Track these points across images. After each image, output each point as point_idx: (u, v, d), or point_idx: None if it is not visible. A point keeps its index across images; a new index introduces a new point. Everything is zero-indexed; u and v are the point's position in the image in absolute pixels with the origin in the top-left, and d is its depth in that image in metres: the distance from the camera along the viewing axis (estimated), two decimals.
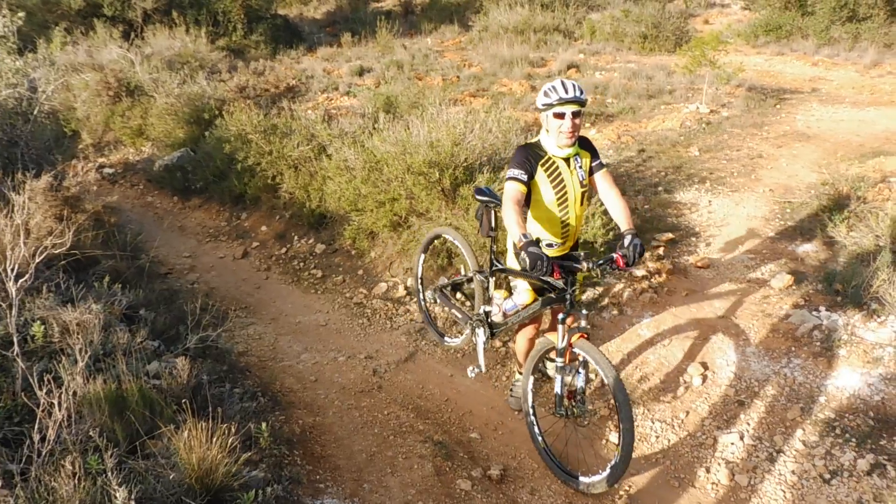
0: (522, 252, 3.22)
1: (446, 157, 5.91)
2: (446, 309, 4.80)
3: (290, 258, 7.11)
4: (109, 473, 2.82)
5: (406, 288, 6.05)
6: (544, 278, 3.59)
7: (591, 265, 3.52)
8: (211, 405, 3.60)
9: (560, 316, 3.65)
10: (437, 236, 4.99)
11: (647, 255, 5.86)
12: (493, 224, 4.16)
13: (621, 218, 3.66)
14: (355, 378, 4.89)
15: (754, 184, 7.74)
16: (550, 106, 3.44)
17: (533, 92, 12.49)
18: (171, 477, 3.17)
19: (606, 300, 5.38)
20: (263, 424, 3.78)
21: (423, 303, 5.14)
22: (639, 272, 5.58)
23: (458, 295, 4.93)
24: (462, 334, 4.78)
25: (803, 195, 7.28)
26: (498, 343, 5.17)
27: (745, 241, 6.29)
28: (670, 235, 6.29)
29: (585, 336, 3.60)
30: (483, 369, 4.34)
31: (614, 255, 3.50)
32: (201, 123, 9.58)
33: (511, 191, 3.50)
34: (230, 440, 3.28)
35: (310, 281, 6.59)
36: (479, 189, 4.28)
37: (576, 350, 3.61)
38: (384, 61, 15.03)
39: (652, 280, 5.54)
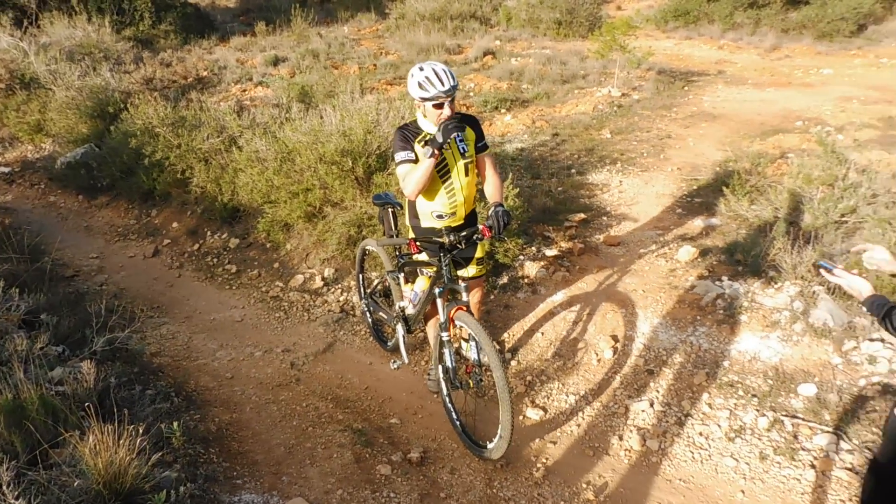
0: (436, 137, 3.44)
1: (359, 145, 5.86)
2: (378, 313, 4.80)
3: (204, 254, 6.93)
4: (5, 487, 2.70)
5: (323, 279, 5.98)
6: (422, 258, 3.83)
7: (452, 238, 3.61)
8: (119, 408, 3.49)
9: (437, 290, 3.73)
10: (365, 250, 4.96)
11: (557, 235, 5.99)
12: (393, 225, 4.33)
13: (493, 193, 3.80)
14: (273, 372, 4.82)
15: (663, 163, 8.00)
16: (430, 100, 3.48)
17: None
18: (76, 484, 3.06)
19: (520, 280, 5.47)
20: (175, 424, 3.69)
21: (368, 317, 5.09)
22: (552, 252, 5.70)
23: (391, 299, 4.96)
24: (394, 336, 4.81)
25: (709, 172, 7.58)
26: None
27: (654, 217, 6.50)
28: (582, 215, 6.44)
29: (464, 308, 3.66)
30: (406, 361, 4.35)
31: (480, 226, 3.62)
32: (105, 118, 9.19)
33: (404, 172, 3.63)
34: (138, 441, 3.19)
35: (224, 276, 6.44)
36: (376, 195, 4.46)
37: (457, 323, 3.68)
38: (299, 50, 14.77)
39: (564, 259, 5.67)
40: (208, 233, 7.21)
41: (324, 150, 5.83)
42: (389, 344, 4.88)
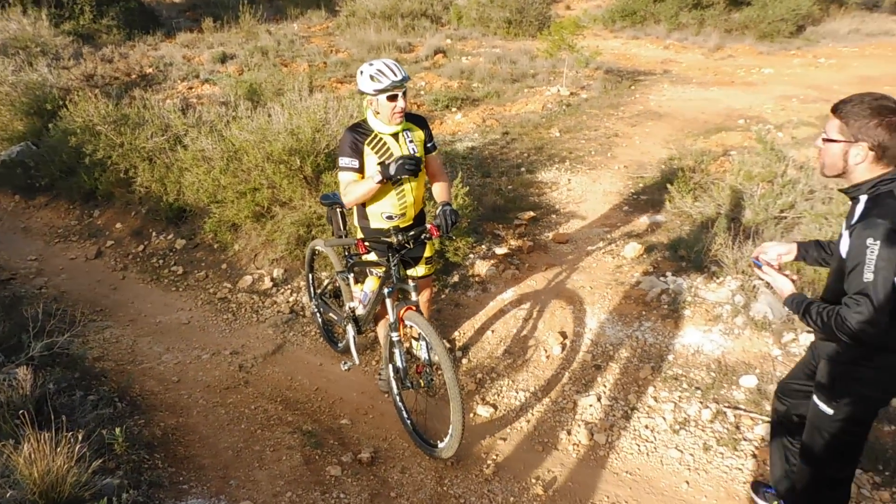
0: (390, 168, 3.42)
1: (307, 143, 5.80)
2: (329, 314, 4.77)
3: (149, 255, 6.76)
4: None
5: (273, 279, 5.91)
6: (371, 258, 3.86)
7: (401, 237, 3.62)
8: (57, 414, 3.38)
9: (386, 290, 3.73)
10: (314, 251, 4.92)
11: (507, 233, 6.04)
12: (342, 225, 4.28)
13: (441, 193, 3.86)
14: (220, 375, 4.73)
15: (610, 161, 8.14)
16: (384, 90, 3.47)
17: None
18: (8, 495, 2.96)
19: (471, 279, 5.50)
20: (117, 430, 3.61)
21: (318, 317, 5.04)
22: (502, 250, 5.74)
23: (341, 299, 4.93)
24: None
25: (655, 170, 7.73)
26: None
27: (602, 215, 6.61)
28: (532, 213, 6.50)
29: (413, 308, 3.67)
30: (357, 362, 4.33)
31: (428, 226, 3.66)
32: (43, 115, 8.87)
33: (346, 182, 3.64)
34: (78, 448, 3.10)
35: (170, 278, 6.30)
36: (324, 195, 4.40)
37: (407, 322, 3.68)
38: (248, 47, 14.53)
39: (514, 257, 5.71)
40: (153, 234, 7.04)
41: (271, 149, 5.75)
42: (340, 345, 4.85)
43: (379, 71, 3.46)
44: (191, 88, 12.19)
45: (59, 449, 3.02)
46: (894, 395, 2.63)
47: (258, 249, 6.20)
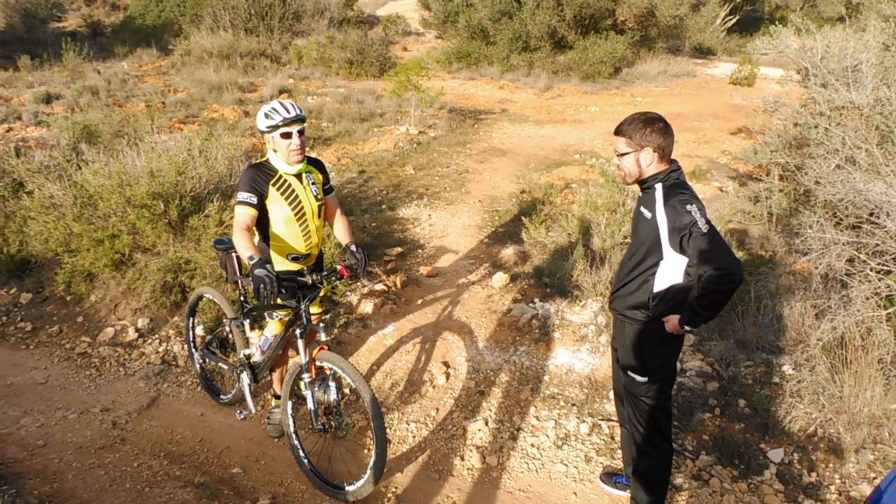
0: (250, 275, 3.33)
1: (170, 187, 5.65)
2: (217, 364, 4.62)
3: None
4: None
5: (137, 330, 5.62)
6: (280, 301, 3.77)
7: (315, 277, 3.70)
8: None
9: (298, 332, 3.74)
10: (200, 297, 4.77)
11: (380, 269, 6.20)
12: (237, 269, 4.21)
13: (344, 234, 4.02)
14: (92, 434, 4.44)
15: (465, 196, 8.57)
16: (276, 127, 3.57)
17: (247, 117, 12.35)
18: None
19: (349, 316, 5.59)
20: None
21: (197, 366, 4.86)
22: (378, 286, 5.89)
23: (228, 349, 4.80)
24: (234, 387, 4.64)
25: (507, 203, 8.26)
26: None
27: (465, 248, 6.96)
28: (399, 249, 6.72)
29: (326, 347, 3.72)
30: (253, 412, 4.24)
31: (338, 267, 3.77)
32: None
33: (241, 216, 3.58)
34: None
35: (18, 336, 5.77)
36: (218, 240, 4.33)
37: (319, 363, 3.72)
38: (75, 87, 13.68)
39: (390, 293, 5.88)
40: None
41: (131, 194, 5.52)
42: (225, 396, 4.71)
43: (273, 109, 3.58)
44: (9, 130, 11.26)
45: None
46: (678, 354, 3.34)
47: (118, 299, 5.87)
